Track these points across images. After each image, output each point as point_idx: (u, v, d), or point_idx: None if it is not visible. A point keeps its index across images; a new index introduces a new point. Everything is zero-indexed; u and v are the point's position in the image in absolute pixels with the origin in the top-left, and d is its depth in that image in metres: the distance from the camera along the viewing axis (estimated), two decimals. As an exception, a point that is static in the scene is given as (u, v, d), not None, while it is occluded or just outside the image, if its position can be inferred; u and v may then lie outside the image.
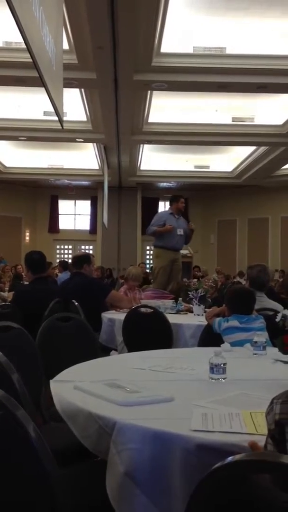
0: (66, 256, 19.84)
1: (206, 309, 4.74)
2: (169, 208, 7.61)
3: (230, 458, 1.00)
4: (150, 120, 11.57)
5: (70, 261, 17.18)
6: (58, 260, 15.94)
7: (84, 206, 19.89)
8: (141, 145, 13.63)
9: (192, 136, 12.26)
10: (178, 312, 5.22)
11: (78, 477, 2.00)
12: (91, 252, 19.36)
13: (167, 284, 6.89)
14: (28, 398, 1.95)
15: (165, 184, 18.67)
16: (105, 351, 4.43)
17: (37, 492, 1.33)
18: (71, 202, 19.89)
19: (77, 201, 19.90)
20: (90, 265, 5.23)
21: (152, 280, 8.48)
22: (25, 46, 3.28)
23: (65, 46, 7.10)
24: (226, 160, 15.62)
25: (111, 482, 1.57)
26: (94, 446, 1.69)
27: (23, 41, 3.20)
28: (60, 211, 19.83)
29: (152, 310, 4.38)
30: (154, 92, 9.77)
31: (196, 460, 1.44)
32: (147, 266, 15.46)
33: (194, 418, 1.61)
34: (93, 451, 1.73)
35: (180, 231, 7.21)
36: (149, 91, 9.76)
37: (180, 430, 1.53)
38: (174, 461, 1.49)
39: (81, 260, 5.19)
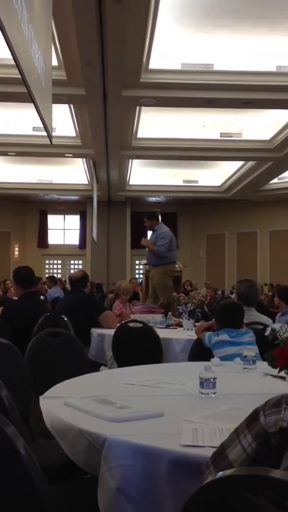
0: (55, 271, 19.77)
1: (195, 324, 4.74)
2: None
3: (220, 473, 1.00)
4: (139, 135, 11.63)
5: (59, 276, 17.24)
6: (46, 275, 15.85)
7: (73, 220, 19.86)
8: (130, 160, 13.68)
9: (181, 151, 12.33)
10: (167, 326, 5.22)
11: (68, 494, 1.98)
12: (80, 267, 19.34)
13: (151, 298, 7.00)
14: (17, 414, 1.93)
15: (154, 198, 18.73)
16: (94, 366, 4.41)
17: (27, 509, 1.32)
18: (60, 216, 19.86)
19: (66, 216, 19.87)
20: (88, 282, 5.56)
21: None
22: (14, 63, 3.29)
23: (54, 62, 7.15)
24: (215, 175, 15.72)
25: (103, 498, 1.55)
26: (84, 462, 1.68)
27: (12, 58, 3.21)
28: (49, 226, 19.78)
29: (141, 325, 4.37)
30: (143, 107, 9.84)
31: (186, 475, 1.44)
32: (138, 281, 15.40)
33: (184, 433, 1.60)
34: (83, 467, 1.71)
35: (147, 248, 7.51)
36: (137, 107, 9.82)
37: (171, 445, 1.52)
38: (165, 476, 1.48)
39: (84, 279, 5.37)
